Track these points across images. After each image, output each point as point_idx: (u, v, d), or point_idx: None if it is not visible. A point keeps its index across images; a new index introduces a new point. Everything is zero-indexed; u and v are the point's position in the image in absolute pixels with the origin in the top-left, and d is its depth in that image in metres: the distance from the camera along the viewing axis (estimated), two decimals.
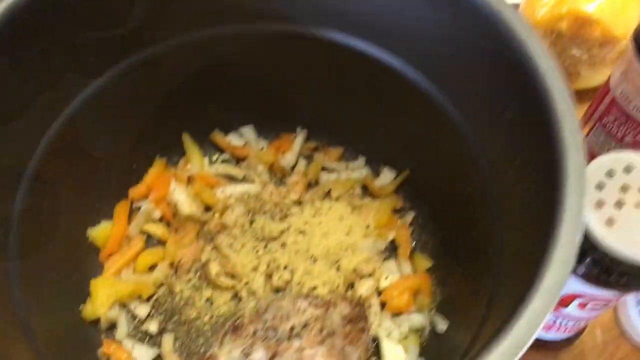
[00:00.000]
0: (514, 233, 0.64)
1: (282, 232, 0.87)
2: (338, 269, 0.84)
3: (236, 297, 0.85)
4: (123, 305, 0.84)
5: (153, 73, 0.81)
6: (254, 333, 0.73)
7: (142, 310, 0.84)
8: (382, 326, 0.83)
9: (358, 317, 0.76)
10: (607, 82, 0.84)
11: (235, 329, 0.74)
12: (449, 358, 0.74)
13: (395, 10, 0.71)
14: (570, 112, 0.54)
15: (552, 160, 0.55)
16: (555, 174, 0.54)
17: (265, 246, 0.86)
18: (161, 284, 0.86)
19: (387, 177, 0.95)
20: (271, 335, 0.72)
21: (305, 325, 0.73)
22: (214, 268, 0.85)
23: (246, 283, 0.84)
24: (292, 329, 0.72)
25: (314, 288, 0.82)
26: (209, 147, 0.99)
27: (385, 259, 0.89)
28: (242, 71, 0.88)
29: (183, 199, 0.89)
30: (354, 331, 0.75)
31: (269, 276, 0.84)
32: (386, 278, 0.86)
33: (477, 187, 0.73)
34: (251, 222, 0.89)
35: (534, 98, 0.58)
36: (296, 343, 0.71)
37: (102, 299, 0.80)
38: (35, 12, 0.62)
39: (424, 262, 0.88)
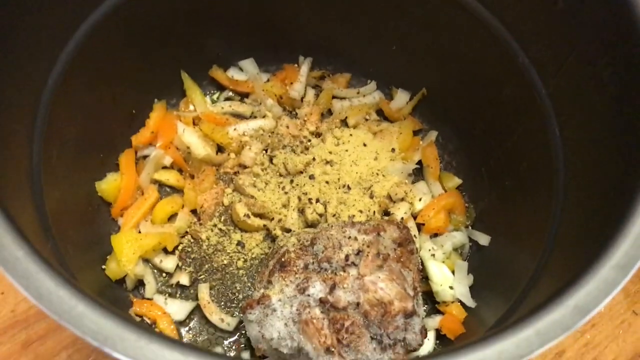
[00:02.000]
0: (579, 135, 0.62)
1: (307, 165, 0.81)
2: (371, 195, 0.80)
3: (268, 236, 0.80)
4: (146, 260, 0.77)
5: (146, 5, 0.73)
6: (306, 267, 0.69)
7: (169, 263, 0.77)
8: (424, 248, 0.80)
9: (407, 239, 0.72)
10: None
11: (284, 266, 0.69)
12: (505, 274, 0.73)
13: None
14: None
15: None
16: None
17: (292, 181, 0.81)
18: (185, 234, 0.79)
19: (402, 99, 0.91)
20: (326, 266, 0.68)
21: (358, 252, 0.69)
22: (240, 210, 0.79)
23: (279, 221, 0.79)
24: (347, 257, 0.68)
25: (351, 217, 0.78)
26: (208, 86, 0.91)
27: (413, 182, 0.86)
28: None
29: (195, 141, 0.82)
30: (405, 253, 0.72)
31: (301, 211, 0.79)
32: (420, 200, 0.83)
33: (517, 90, 0.71)
34: (271, 159, 0.83)
35: None
36: (353, 271, 0.67)
37: (128, 255, 0.72)
38: None
39: (453, 180, 0.86)
